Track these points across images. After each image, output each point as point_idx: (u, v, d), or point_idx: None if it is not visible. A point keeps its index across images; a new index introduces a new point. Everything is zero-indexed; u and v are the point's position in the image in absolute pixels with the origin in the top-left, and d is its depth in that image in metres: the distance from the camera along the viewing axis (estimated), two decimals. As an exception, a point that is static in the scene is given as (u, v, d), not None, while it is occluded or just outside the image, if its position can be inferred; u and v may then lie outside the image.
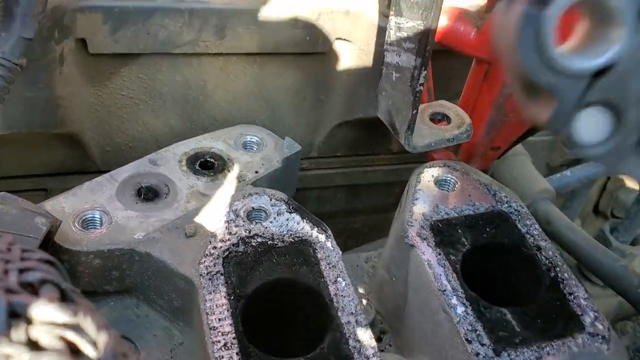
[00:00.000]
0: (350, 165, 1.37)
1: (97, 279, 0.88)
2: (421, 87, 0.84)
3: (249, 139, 1.10)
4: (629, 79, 0.31)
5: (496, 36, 0.35)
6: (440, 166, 1.02)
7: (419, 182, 0.99)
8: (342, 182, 1.38)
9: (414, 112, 0.85)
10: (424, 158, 1.16)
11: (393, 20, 0.82)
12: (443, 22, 0.93)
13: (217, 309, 0.79)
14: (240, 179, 1.00)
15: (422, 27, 0.80)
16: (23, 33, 0.85)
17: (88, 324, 0.37)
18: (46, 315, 0.37)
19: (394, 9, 0.81)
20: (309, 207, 0.96)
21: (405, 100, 0.85)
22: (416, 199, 0.96)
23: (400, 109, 0.87)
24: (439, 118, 1.00)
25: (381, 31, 1.07)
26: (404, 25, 0.82)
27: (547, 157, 1.44)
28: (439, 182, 0.99)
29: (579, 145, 0.33)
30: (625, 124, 0.32)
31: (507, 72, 0.38)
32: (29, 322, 0.36)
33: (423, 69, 0.83)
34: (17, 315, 0.36)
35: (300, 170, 1.24)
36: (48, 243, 0.82)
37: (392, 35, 0.83)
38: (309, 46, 1.11)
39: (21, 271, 0.41)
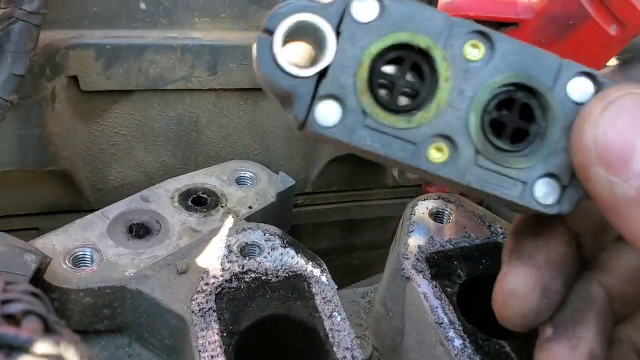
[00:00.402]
0: (346, 200, 1.36)
1: (88, 318, 0.86)
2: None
3: (242, 175, 1.10)
4: (340, 76, 0.42)
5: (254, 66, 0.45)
6: (434, 199, 1.01)
7: (414, 214, 0.98)
8: (338, 217, 1.37)
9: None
10: (419, 192, 1.15)
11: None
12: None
13: (209, 346, 0.77)
14: (233, 214, 1.00)
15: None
16: (14, 70, 0.85)
17: (72, 355, 0.36)
18: (28, 347, 0.36)
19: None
20: (305, 243, 0.94)
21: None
22: (411, 232, 0.95)
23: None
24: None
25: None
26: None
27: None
28: (434, 215, 0.99)
29: (322, 128, 0.43)
30: (348, 108, 0.43)
31: (266, 91, 0.47)
32: (9, 354, 0.35)
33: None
34: (-2, 346, 0.35)
35: (295, 207, 1.24)
36: (38, 281, 0.81)
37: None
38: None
39: (3, 303, 0.41)
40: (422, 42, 0.43)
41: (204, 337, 0.78)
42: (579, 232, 0.53)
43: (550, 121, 0.45)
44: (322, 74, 0.43)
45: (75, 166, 1.10)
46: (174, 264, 0.88)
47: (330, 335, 0.80)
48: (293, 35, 0.43)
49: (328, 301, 0.84)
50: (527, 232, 0.53)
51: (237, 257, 0.89)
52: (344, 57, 0.42)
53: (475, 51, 0.44)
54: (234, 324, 0.80)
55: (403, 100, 0.44)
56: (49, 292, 0.83)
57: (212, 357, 0.76)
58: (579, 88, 0.45)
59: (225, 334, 0.79)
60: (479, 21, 0.94)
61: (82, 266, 0.88)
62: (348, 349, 0.79)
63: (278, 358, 0.86)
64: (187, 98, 1.09)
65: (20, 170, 1.04)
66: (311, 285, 0.86)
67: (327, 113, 0.42)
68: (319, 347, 0.80)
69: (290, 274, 0.87)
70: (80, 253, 0.89)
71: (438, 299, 0.86)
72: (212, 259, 0.88)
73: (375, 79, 0.43)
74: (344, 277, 1.37)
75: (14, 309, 0.39)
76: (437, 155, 0.44)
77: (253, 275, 0.86)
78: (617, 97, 0.41)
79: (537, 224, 0.52)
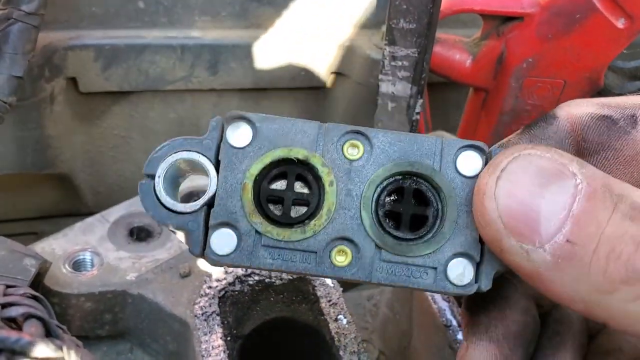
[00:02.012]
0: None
1: (89, 323, 0.85)
2: (417, 116, 0.83)
3: (244, 176, 1.08)
4: (227, 203, 0.43)
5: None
6: None
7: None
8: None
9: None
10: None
11: (387, 49, 0.81)
12: (438, 50, 0.93)
13: (213, 350, 0.76)
14: (236, 216, 0.98)
15: (416, 55, 0.79)
16: (13, 71, 0.83)
17: (73, 359, 0.35)
18: (29, 350, 0.34)
19: (387, 38, 0.80)
20: None
21: (402, 130, 0.83)
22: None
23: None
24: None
25: (375, 63, 1.06)
26: (398, 54, 0.81)
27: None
28: None
29: (221, 257, 0.43)
30: (242, 232, 0.43)
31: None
32: (10, 357, 0.34)
33: (419, 97, 0.82)
34: (-2, 350, 0.34)
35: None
36: (38, 285, 0.80)
37: (386, 65, 0.83)
38: (305, 81, 1.10)
39: (4, 306, 0.39)
40: (298, 154, 0.43)
41: (207, 341, 0.77)
42: (534, 294, 0.52)
43: (445, 201, 0.44)
44: (211, 205, 0.43)
45: (74, 169, 1.08)
46: (176, 267, 0.87)
47: (335, 339, 0.79)
48: (175, 174, 0.45)
49: (333, 304, 0.83)
50: (480, 305, 0.52)
51: (240, 259, 0.87)
52: (227, 184, 0.43)
53: (354, 150, 0.44)
54: (238, 327, 0.79)
55: (298, 211, 0.44)
56: (49, 296, 0.81)
57: (216, 361, 0.74)
58: (467, 162, 0.44)
59: (228, 338, 0.77)
60: (484, 15, 0.93)
61: (83, 270, 0.86)
62: (354, 352, 0.78)
63: (283, 362, 0.85)
64: (188, 99, 1.08)
65: (19, 173, 1.03)
66: (316, 288, 0.84)
67: (222, 242, 0.43)
68: (324, 350, 0.79)
69: (294, 276, 0.85)
70: (80, 257, 0.88)
71: (446, 301, 0.84)
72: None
73: (262, 198, 0.44)
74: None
75: (14, 312, 0.38)
76: (340, 258, 0.44)
77: (256, 278, 0.84)
78: (506, 163, 0.41)
79: (487, 296, 0.50)
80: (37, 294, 0.42)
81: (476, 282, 0.44)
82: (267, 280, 0.84)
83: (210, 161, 0.43)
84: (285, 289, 0.84)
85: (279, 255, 0.44)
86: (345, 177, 0.44)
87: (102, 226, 0.93)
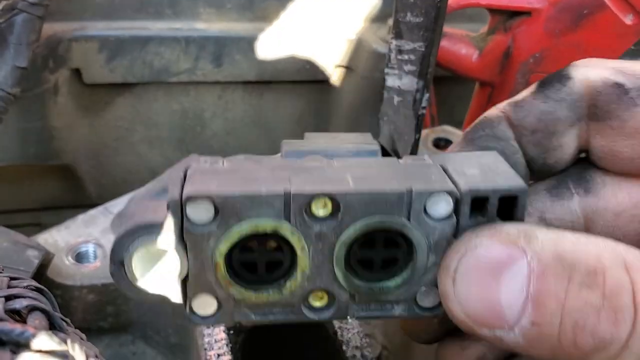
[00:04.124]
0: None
1: (91, 315, 0.84)
2: (424, 110, 0.82)
3: (248, 169, 1.08)
4: (201, 278, 0.43)
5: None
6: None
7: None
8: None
9: (417, 136, 0.83)
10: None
11: (393, 43, 0.80)
12: (444, 44, 0.92)
13: (216, 344, 0.76)
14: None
15: (423, 49, 0.78)
16: (17, 62, 0.83)
17: (77, 352, 0.35)
18: (33, 343, 0.34)
19: (393, 31, 0.79)
20: None
21: (407, 125, 0.82)
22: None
23: (403, 134, 0.85)
24: (442, 144, 0.98)
25: (381, 57, 1.05)
26: (405, 47, 0.80)
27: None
28: None
29: (203, 319, 0.45)
30: (221, 299, 0.44)
31: None
32: (14, 350, 0.34)
33: (425, 91, 0.81)
34: (2, 342, 0.34)
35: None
36: (40, 277, 0.80)
37: (392, 58, 0.81)
38: (309, 74, 1.10)
39: (8, 298, 0.39)
40: (266, 227, 0.42)
41: (209, 334, 0.77)
42: None
43: (414, 249, 0.44)
44: (186, 279, 0.43)
45: (77, 160, 1.08)
46: (179, 261, 0.87)
47: (339, 333, 0.79)
48: (144, 256, 0.44)
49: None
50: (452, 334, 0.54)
51: (243, 253, 0.87)
52: (197, 262, 0.42)
53: (322, 211, 0.43)
54: (241, 320, 0.79)
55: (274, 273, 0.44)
56: (51, 288, 0.81)
57: (219, 355, 0.74)
58: (436, 205, 0.43)
59: (231, 331, 0.77)
60: (491, 10, 0.92)
61: (85, 262, 0.86)
62: (357, 347, 0.78)
63: (285, 356, 0.85)
64: (192, 91, 1.08)
65: (22, 164, 1.03)
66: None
67: (203, 305, 0.44)
68: (327, 344, 0.79)
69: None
70: (83, 248, 0.87)
71: None
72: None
73: (236, 267, 0.43)
74: None
75: (18, 304, 0.38)
76: (317, 303, 0.45)
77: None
78: (457, 264, 0.42)
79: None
80: (41, 286, 0.41)
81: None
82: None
83: (174, 244, 0.42)
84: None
85: (260, 312, 0.45)
86: (315, 239, 0.43)
87: (105, 218, 0.93)
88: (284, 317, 0.45)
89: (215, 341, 0.76)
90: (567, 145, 0.50)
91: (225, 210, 0.42)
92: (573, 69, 0.50)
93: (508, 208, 0.45)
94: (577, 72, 0.49)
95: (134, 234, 0.44)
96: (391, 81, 0.88)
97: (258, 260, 0.43)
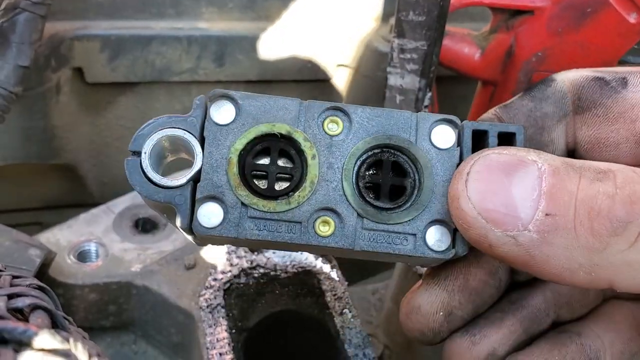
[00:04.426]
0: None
1: (93, 314, 0.85)
2: (426, 109, 0.82)
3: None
4: (213, 177, 0.45)
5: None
6: None
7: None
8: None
9: (419, 135, 0.83)
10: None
11: (396, 42, 0.80)
12: (446, 43, 0.92)
13: (218, 343, 0.76)
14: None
15: (425, 48, 0.79)
16: (19, 61, 0.83)
17: (79, 351, 0.34)
18: (36, 342, 0.34)
19: (396, 30, 0.79)
20: None
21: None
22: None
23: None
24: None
25: (383, 56, 1.05)
26: (407, 46, 0.81)
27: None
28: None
29: (208, 229, 0.45)
30: (228, 204, 0.45)
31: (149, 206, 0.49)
32: (17, 348, 0.34)
33: (427, 90, 0.81)
34: (6, 341, 0.34)
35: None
36: (42, 276, 0.80)
37: (395, 57, 0.82)
38: (310, 73, 1.10)
39: (10, 297, 0.39)
40: (281, 129, 0.46)
41: (212, 333, 0.76)
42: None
43: (421, 172, 0.47)
44: (197, 180, 0.45)
45: (79, 159, 1.08)
46: (181, 259, 0.87)
47: (341, 332, 0.79)
48: (160, 150, 0.46)
49: (338, 297, 0.82)
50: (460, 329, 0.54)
51: (245, 252, 0.87)
52: (211, 159, 0.45)
53: (334, 126, 0.46)
54: (243, 320, 0.78)
55: (281, 185, 0.46)
56: (53, 287, 0.81)
57: (221, 354, 0.74)
58: (441, 135, 0.47)
59: (233, 331, 0.77)
60: (494, 8, 0.92)
61: (87, 261, 0.86)
62: (359, 346, 0.77)
63: (287, 355, 0.85)
64: (193, 90, 1.08)
65: (24, 163, 1.03)
66: (321, 282, 0.84)
67: (209, 214, 0.45)
68: (329, 344, 0.79)
69: (300, 269, 0.85)
70: (85, 248, 0.88)
71: None
72: (220, 254, 0.86)
73: (247, 172, 0.46)
74: (352, 274, 1.35)
75: (21, 303, 0.38)
76: (324, 228, 0.46)
77: (262, 271, 0.84)
78: (469, 167, 0.43)
79: None
80: (43, 284, 0.41)
81: (453, 247, 0.47)
82: (272, 273, 0.84)
83: (195, 138, 0.45)
84: (291, 282, 0.83)
85: (264, 226, 0.46)
86: (326, 151, 0.46)
87: (107, 217, 0.93)
88: (289, 236, 0.46)
89: (217, 340, 0.76)
90: (558, 140, 0.51)
91: (244, 110, 0.46)
92: (556, 75, 0.52)
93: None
94: (560, 76, 0.52)
95: (156, 127, 0.45)
96: (393, 80, 0.88)
97: (269, 170, 0.46)
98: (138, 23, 1.00)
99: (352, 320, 0.80)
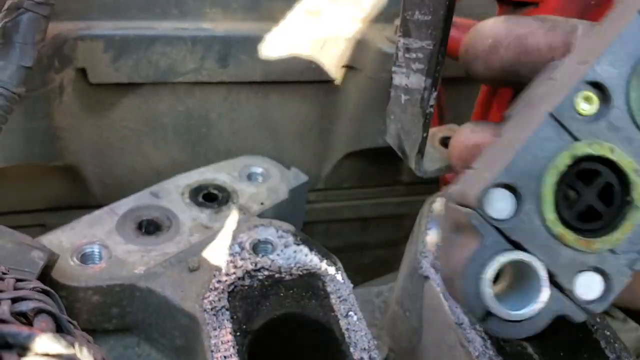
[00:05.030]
0: (359, 197, 1.34)
1: (96, 317, 0.84)
2: (431, 109, 0.81)
3: (253, 170, 1.08)
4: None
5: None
6: None
7: (432, 211, 0.96)
8: (350, 215, 1.36)
9: (425, 135, 0.82)
10: (435, 189, 1.13)
11: (401, 41, 0.79)
12: (453, 34, 0.91)
13: (222, 345, 0.75)
14: (245, 210, 0.98)
15: (431, 47, 0.78)
16: (22, 61, 0.82)
17: (84, 356, 0.34)
18: (40, 346, 0.33)
19: (401, 30, 0.79)
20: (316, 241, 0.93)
21: (415, 123, 0.82)
22: (429, 229, 0.93)
23: (410, 132, 0.84)
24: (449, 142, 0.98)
25: (388, 57, 1.05)
26: (413, 46, 0.80)
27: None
28: None
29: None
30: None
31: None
32: (22, 353, 0.33)
33: (433, 90, 0.80)
34: (10, 345, 0.33)
35: (307, 203, 1.22)
36: (45, 278, 0.79)
37: (400, 57, 0.81)
38: (314, 74, 1.10)
39: (14, 300, 0.38)
40: (582, 151, 0.38)
41: (216, 336, 0.76)
42: None
43: None
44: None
45: (82, 161, 1.08)
46: (184, 261, 0.86)
47: (346, 335, 0.78)
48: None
49: (344, 300, 0.82)
50: None
51: (249, 254, 0.86)
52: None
53: None
54: (247, 322, 0.78)
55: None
56: (56, 289, 0.81)
57: (225, 357, 0.73)
58: None
59: (238, 333, 0.76)
60: (500, 0, 0.92)
61: (90, 263, 0.86)
62: (365, 349, 0.77)
63: (292, 358, 0.84)
64: (197, 91, 1.08)
65: (26, 165, 1.03)
66: (326, 284, 0.84)
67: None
68: (334, 347, 0.78)
69: (304, 271, 0.85)
70: (88, 250, 0.87)
71: None
72: (224, 256, 0.86)
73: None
74: (355, 276, 1.35)
75: (25, 306, 0.37)
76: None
77: (266, 273, 0.84)
78: None
79: None
80: (47, 288, 0.41)
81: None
82: (276, 275, 0.83)
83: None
84: (295, 284, 0.83)
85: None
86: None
87: (111, 219, 0.93)
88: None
89: (222, 343, 0.75)
90: None
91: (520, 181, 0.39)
92: None
93: None
94: None
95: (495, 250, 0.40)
96: (398, 79, 0.88)
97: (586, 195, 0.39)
98: (142, 23, 1.00)
99: (357, 323, 0.80)
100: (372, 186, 1.34)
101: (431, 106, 0.84)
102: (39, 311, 0.38)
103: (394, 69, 0.90)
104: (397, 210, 1.38)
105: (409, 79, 0.85)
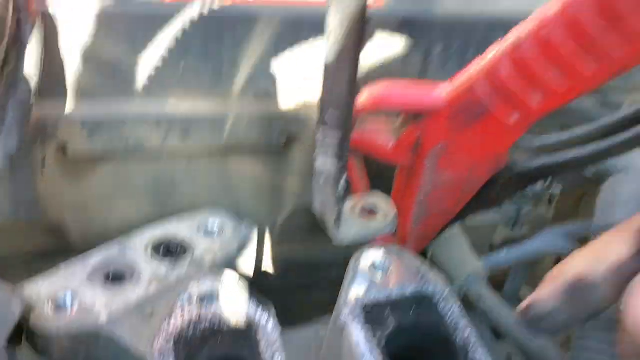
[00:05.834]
0: (309, 246, 1.47)
1: (67, 358, 0.97)
2: (342, 190, 0.95)
3: (209, 224, 1.22)
4: None
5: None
6: (378, 249, 1.09)
7: (358, 265, 1.09)
8: (303, 259, 1.48)
9: (339, 208, 0.97)
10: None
11: (320, 128, 0.93)
12: (364, 133, 1.06)
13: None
14: (199, 262, 1.12)
15: (341, 135, 0.91)
16: (7, 149, 0.96)
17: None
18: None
19: (320, 117, 0.92)
20: (266, 286, 1.06)
21: (331, 200, 0.97)
22: (354, 282, 1.06)
23: (328, 206, 1.00)
24: (369, 210, 1.12)
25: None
26: (329, 132, 0.93)
27: (490, 238, 1.55)
28: (376, 265, 1.07)
29: None
30: None
31: None
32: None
33: (343, 173, 0.94)
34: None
35: (259, 252, 1.36)
36: (22, 327, 0.93)
37: (319, 142, 0.95)
38: (265, 146, 1.24)
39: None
40: None
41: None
42: None
43: None
44: None
45: (63, 218, 1.23)
46: (143, 308, 1.00)
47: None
48: None
49: (271, 345, 0.95)
50: None
51: (195, 304, 1.00)
52: None
53: None
54: (189, 364, 0.92)
55: None
56: (33, 337, 0.95)
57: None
58: None
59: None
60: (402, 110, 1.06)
61: (63, 311, 0.98)
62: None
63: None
64: (163, 160, 1.22)
65: (13, 222, 1.18)
66: (258, 331, 0.97)
67: None
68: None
69: (241, 321, 0.98)
70: (61, 298, 1.00)
71: (368, 344, 0.96)
72: (174, 306, 1.00)
73: None
74: (300, 317, 1.47)
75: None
76: None
77: (207, 324, 0.97)
78: None
79: None
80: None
81: None
82: (216, 326, 0.97)
83: None
84: (231, 333, 0.97)
85: None
86: None
87: (83, 268, 1.07)
88: None
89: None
90: None
91: None
92: None
93: None
94: None
95: None
96: (319, 162, 1.03)
97: None
98: (113, 104, 1.14)
99: (281, 365, 0.93)
100: (321, 237, 1.45)
101: (342, 187, 0.99)
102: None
103: (316, 151, 1.05)
104: (347, 255, 1.49)
105: (326, 162, 1.00)
